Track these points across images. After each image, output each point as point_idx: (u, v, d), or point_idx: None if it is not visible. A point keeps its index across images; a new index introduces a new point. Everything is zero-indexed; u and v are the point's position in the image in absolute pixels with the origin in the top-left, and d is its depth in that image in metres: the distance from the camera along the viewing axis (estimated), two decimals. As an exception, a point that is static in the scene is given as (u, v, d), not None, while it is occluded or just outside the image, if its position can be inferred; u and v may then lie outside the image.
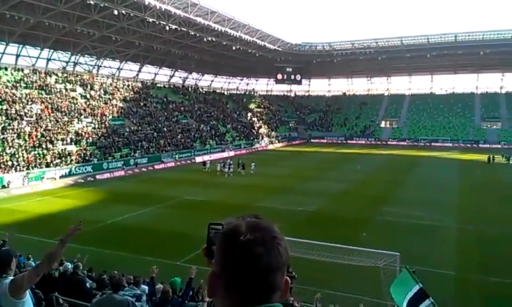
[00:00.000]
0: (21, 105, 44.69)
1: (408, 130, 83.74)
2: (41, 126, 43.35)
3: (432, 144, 75.28)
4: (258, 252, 1.09)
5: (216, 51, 69.60)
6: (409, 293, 7.51)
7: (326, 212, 25.98)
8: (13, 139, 39.28)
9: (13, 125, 41.09)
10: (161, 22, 51.58)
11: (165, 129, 59.05)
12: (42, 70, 54.76)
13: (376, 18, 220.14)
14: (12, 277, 3.57)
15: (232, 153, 60.73)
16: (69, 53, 58.26)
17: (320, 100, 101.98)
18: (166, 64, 76.49)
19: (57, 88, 52.82)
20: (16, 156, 37.12)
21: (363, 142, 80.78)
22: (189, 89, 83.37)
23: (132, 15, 48.70)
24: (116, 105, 57.88)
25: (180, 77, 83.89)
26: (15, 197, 31.48)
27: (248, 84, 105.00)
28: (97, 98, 56.71)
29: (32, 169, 36.80)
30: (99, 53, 61.29)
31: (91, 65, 63.59)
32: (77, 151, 42.94)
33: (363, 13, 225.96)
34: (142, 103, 63.38)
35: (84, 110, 51.60)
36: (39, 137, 41.80)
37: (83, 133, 46.66)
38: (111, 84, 63.22)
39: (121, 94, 62.07)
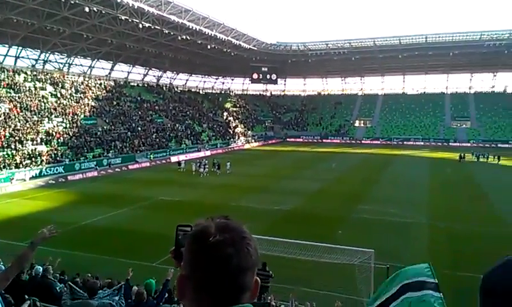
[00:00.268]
0: (-13, 104, 43.12)
1: (381, 129, 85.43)
2: (9, 126, 41.90)
3: (405, 143, 77.12)
4: (227, 253, 1.09)
5: (191, 50, 69.06)
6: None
7: (302, 211, 26.16)
8: (-21, 140, 37.88)
9: (-21, 125, 39.63)
10: (134, 19, 50.77)
11: (139, 128, 58.15)
12: (10, 68, 52.99)
13: (349, 19, 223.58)
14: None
15: (208, 153, 60.43)
16: (38, 51, 56.64)
17: (296, 100, 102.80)
18: (140, 63, 75.35)
19: (26, 87, 51.19)
20: (-17, 157, 35.80)
21: (338, 141, 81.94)
22: (164, 88, 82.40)
23: (103, 12, 47.77)
24: (88, 104, 56.58)
25: (154, 76, 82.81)
26: (-18, 199, 30.31)
27: (223, 83, 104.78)
28: (68, 97, 55.28)
29: (1, 170, 35.54)
30: (70, 51, 59.78)
31: (61, 63, 62.04)
32: (47, 152, 41.71)
33: (337, 13, 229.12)
34: (115, 102, 62.20)
35: (55, 109, 50.21)
36: (7, 137, 40.39)
37: (54, 133, 45.38)
38: (82, 83, 61.70)
39: (93, 93, 60.72)
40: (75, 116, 51.53)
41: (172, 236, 1.40)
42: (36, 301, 6.84)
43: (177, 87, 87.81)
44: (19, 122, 43.54)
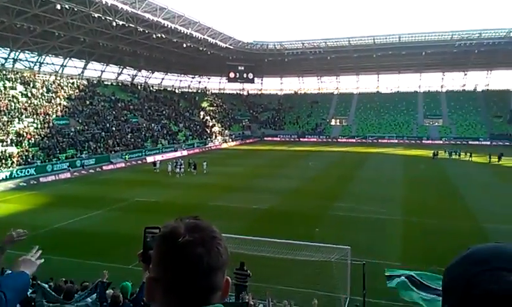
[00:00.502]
0: (-47, 104, 41.46)
1: (357, 127, 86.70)
2: (-24, 127, 40.49)
3: (379, 140, 78.50)
4: (198, 253, 1.09)
5: (166, 48, 68.30)
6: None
7: (280, 209, 26.26)
8: None
9: None
10: (107, 17, 49.80)
11: (114, 128, 57.10)
12: (-23, 67, 51.23)
13: (325, 19, 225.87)
14: None
15: (185, 153, 59.93)
16: (8, 49, 54.85)
17: (273, 99, 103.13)
18: (114, 61, 73.96)
19: (-6, 86, 49.55)
20: (-51, 159, 34.39)
21: (315, 139, 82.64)
22: (139, 87, 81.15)
23: (76, 9, 46.67)
24: (60, 103, 55.14)
25: (129, 75, 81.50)
26: None
27: (199, 82, 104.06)
28: (39, 96, 53.72)
29: (-32, 172, 34.29)
30: (41, 49, 58.17)
31: (32, 62, 60.34)
32: (18, 153, 40.41)
33: (313, 13, 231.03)
34: (88, 102, 60.84)
35: (25, 109, 48.69)
36: (-25, 138, 39.03)
37: (25, 134, 44.02)
38: (54, 82, 60.04)
39: (65, 92, 59.20)
40: (47, 116, 50.16)
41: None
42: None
43: (152, 86, 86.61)
44: (-13, 123, 42.10)
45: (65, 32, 53.33)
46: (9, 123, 44.23)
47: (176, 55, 74.59)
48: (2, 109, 45.73)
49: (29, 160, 40.46)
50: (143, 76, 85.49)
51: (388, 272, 9.61)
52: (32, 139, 44.43)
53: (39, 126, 47.49)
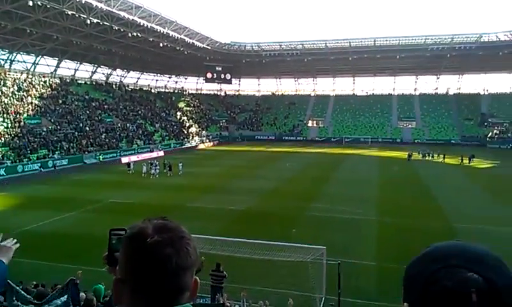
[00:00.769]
0: None
1: (333, 129, 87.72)
2: None
3: (355, 142, 79.53)
4: (167, 253, 1.09)
5: (142, 47, 67.32)
6: None
7: (257, 210, 26.28)
8: None
9: None
10: (81, 15, 48.70)
11: (87, 128, 55.88)
12: None
13: (301, 21, 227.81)
14: None
15: (161, 153, 59.24)
16: (-24, 45, 53.07)
17: (251, 100, 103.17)
18: (88, 60, 72.38)
19: (-39, 83, 47.77)
20: None
21: (292, 140, 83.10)
22: (114, 86, 79.73)
23: (49, 6, 45.44)
24: (31, 102, 53.57)
25: (103, 74, 79.92)
26: None
27: (176, 82, 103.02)
28: (10, 95, 52.06)
29: None
30: (12, 46, 56.43)
31: (2, 59, 58.49)
32: (-14, 153, 39.14)
33: (290, 15, 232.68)
34: (61, 101, 59.36)
35: (-5, 108, 47.19)
36: None
37: (-7, 134, 42.64)
38: (25, 80, 58.30)
39: (37, 91, 57.59)
40: (18, 116, 48.64)
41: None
42: None
43: (128, 86, 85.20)
44: (-47, 121, 40.52)
45: (37, 29, 51.86)
46: (-23, 122, 42.75)
47: (153, 54, 73.65)
48: (-31, 107, 44.17)
49: (-2, 160, 39.18)
50: (118, 75, 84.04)
51: None
52: (2, 138, 43.01)
53: (9, 125, 46.01)
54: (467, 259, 0.92)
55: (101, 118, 62.10)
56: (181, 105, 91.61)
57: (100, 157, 49.60)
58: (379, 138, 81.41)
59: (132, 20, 54.17)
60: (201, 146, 74.06)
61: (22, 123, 47.86)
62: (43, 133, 48.66)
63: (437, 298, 0.89)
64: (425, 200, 29.29)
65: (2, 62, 58.52)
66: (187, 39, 68.19)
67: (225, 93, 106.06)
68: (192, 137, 77.04)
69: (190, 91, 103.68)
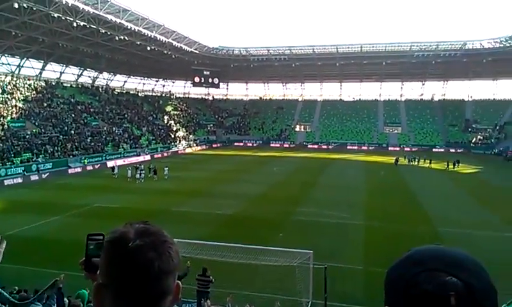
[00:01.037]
0: None
1: (320, 133, 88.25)
2: None
3: (342, 147, 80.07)
4: (149, 257, 1.08)
5: (129, 51, 66.89)
6: None
7: (244, 215, 26.20)
8: None
9: None
10: (68, 17, 48.23)
11: (72, 132, 55.14)
12: None
13: (290, 26, 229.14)
14: None
15: (148, 157, 58.79)
16: (-41, 47, 52.05)
17: (238, 104, 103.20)
18: (74, 63, 71.58)
19: None
20: None
21: (280, 145, 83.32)
22: (100, 89, 78.90)
23: (34, 8, 44.94)
24: (15, 105, 52.67)
25: (90, 77, 79.06)
26: None
27: (164, 85, 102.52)
28: (-7, 97, 51.19)
29: None
30: (-5, 48, 55.53)
31: (-15, 61, 57.46)
32: (-33, 157, 38.31)
33: (278, 21, 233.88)
34: (46, 104, 58.50)
35: (-23, 110, 46.29)
36: None
37: (-24, 137, 41.79)
38: (9, 83, 57.32)
39: (21, 93, 56.67)
40: (1, 118, 47.77)
41: None
42: None
43: (114, 89, 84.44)
44: None
45: (23, 31, 51.14)
46: (-42, 124, 41.85)
47: (140, 58, 73.23)
48: (-49, 109, 43.24)
49: (-20, 164, 38.40)
50: (104, 78, 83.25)
51: None
52: (-16, 141, 42.19)
53: (-8, 128, 45.20)
54: (446, 263, 0.94)
55: (87, 121, 61.36)
56: (168, 109, 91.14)
57: (85, 160, 48.97)
58: (366, 143, 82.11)
59: (120, 23, 53.85)
60: (189, 150, 73.71)
61: (5, 126, 47.02)
62: (27, 136, 47.87)
63: (417, 301, 0.91)
64: (411, 205, 29.54)
65: (-14, 64, 57.60)
66: (174, 43, 68.00)
67: (213, 97, 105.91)
68: (180, 141, 76.64)
69: (177, 95, 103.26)
